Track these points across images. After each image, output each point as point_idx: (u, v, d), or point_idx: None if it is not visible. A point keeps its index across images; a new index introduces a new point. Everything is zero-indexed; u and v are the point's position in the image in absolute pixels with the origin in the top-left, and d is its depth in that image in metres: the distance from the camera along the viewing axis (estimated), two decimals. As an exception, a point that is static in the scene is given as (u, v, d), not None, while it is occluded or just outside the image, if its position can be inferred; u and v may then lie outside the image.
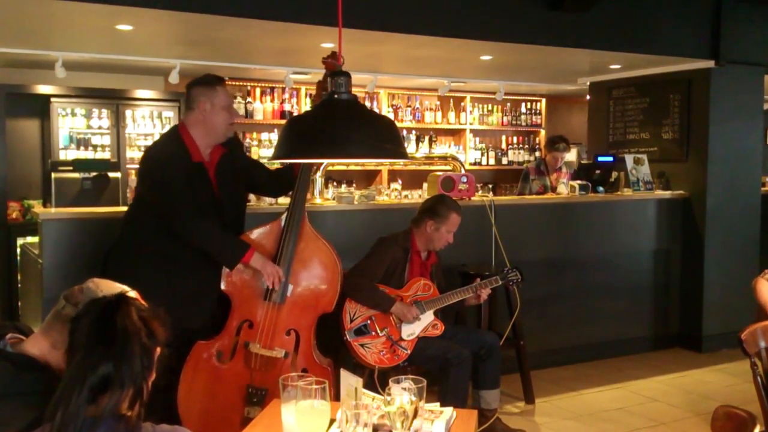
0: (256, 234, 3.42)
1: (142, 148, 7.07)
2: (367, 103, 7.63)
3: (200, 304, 3.34)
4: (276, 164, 3.80)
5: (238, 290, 3.36)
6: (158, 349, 1.57)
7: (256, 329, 3.32)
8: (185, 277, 3.30)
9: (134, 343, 1.48)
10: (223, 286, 3.35)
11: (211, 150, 3.38)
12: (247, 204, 3.78)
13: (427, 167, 7.39)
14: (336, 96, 2.12)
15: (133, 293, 1.74)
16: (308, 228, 3.43)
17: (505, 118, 8.76)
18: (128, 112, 6.99)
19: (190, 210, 3.23)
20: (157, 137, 7.08)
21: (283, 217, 3.40)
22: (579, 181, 5.70)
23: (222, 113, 3.31)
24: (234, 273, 3.36)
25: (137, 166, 6.88)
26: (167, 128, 7.08)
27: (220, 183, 3.38)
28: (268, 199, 4.67)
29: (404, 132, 8.05)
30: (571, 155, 7.01)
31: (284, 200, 4.59)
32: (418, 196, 5.83)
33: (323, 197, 4.79)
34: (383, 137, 2.10)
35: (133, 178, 6.70)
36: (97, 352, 1.45)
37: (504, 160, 8.77)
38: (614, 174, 5.97)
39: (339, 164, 7.11)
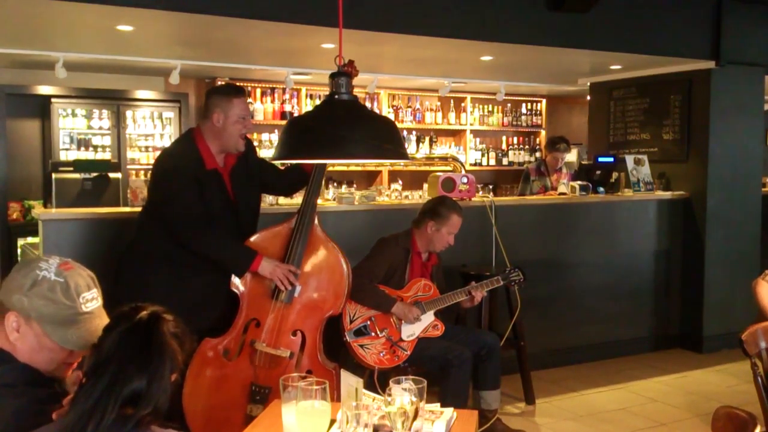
0: (266, 234, 3.45)
1: (143, 149, 7.09)
2: (368, 104, 7.64)
3: (210, 305, 3.39)
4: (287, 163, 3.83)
5: (247, 289, 3.39)
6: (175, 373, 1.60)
7: (262, 328, 3.34)
8: (195, 279, 3.33)
9: (166, 360, 1.52)
10: (231, 286, 3.38)
11: (225, 155, 3.42)
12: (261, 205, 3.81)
13: (427, 168, 7.40)
14: (336, 96, 2.12)
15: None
16: (318, 230, 3.46)
17: (505, 119, 8.76)
18: (129, 113, 7.00)
19: (197, 222, 3.26)
20: (158, 138, 7.12)
21: (294, 218, 3.42)
22: (579, 182, 5.69)
23: (235, 125, 3.34)
24: None
25: (138, 166, 7.00)
26: (168, 129, 7.14)
27: (235, 187, 3.41)
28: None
29: (405, 132, 8.05)
30: (572, 156, 7.02)
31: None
32: (418, 197, 5.82)
33: (324, 198, 4.80)
34: (383, 138, 2.10)
35: (134, 179, 6.71)
36: (132, 369, 1.47)
37: (504, 161, 8.77)
38: (615, 174, 5.97)
39: (339, 165, 7.12)
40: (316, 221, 3.45)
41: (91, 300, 1.74)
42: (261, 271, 3.29)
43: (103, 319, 1.76)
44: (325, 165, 3.57)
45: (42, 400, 1.64)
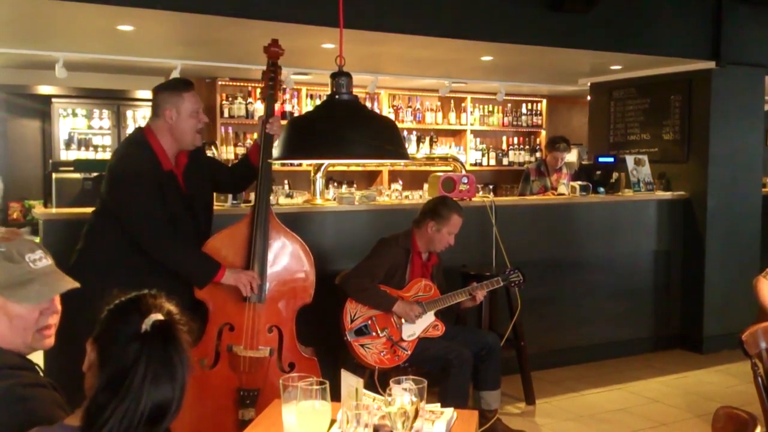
0: (224, 235, 3.35)
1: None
2: (368, 104, 7.64)
3: None
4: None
5: (213, 295, 3.28)
6: None
7: (237, 331, 3.27)
8: (157, 284, 3.19)
9: (187, 370, 1.46)
10: (197, 294, 3.27)
11: (178, 154, 3.30)
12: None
13: (427, 168, 7.40)
14: (337, 96, 2.12)
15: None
16: (275, 222, 3.39)
17: (505, 119, 8.76)
18: (129, 113, 7.01)
19: (160, 231, 3.16)
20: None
21: (250, 214, 3.34)
22: (580, 182, 5.69)
23: (189, 121, 3.21)
24: None
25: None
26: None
27: (189, 188, 3.31)
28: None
29: (405, 132, 8.05)
30: (572, 156, 7.02)
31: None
32: (418, 197, 5.83)
33: (324, 198, 4.80)
34: (384, 138, 2.11)
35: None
36: (156, 386, 1.40)
37: (504, 161, 8.78)
38: (615, 175, 5.97)
39: (339, 165, 7.12)
40: (272, 213, 3.37)
41: (39, 259, 1.75)
42: (224, 281, 3.20)
43: (60, 275, 1.76)
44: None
45: (27, 385, 1.63)
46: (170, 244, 3.19)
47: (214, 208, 3.64)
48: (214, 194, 3.75)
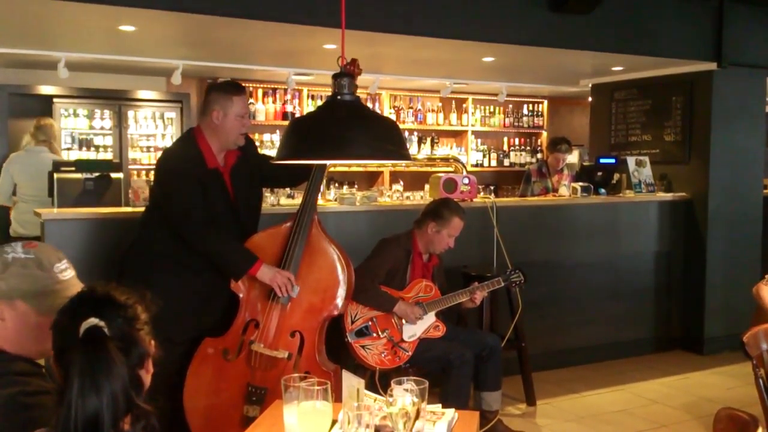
0: (264, 235, 3.43)
1: (145, 149, 7.10)
2: (369, 105, 7.64)
3: (212, 305, 3.39)
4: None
5: (247, 290, 3.39)
6: (147, 360, 1.46)
7: (261, 328, 3.34)
8: (198, 279, 3.33)
9: (117, 379, 1.34)
10: (232, 286, 3.37)
11: (226, 153, 3.40)
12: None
13: (429, 169, 7.40)
14: (339, 97, 2.12)
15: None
16: (318, 230, 3.43)
17: (507, 120, 8.76)
18: (130, 113, 7.01)
19: (199, 221, 3.26)
20: (160, 138, 7.13)
21: (294, 218, 3.40)
22: (581, 183, 5.69)
23: (234, 123, 3.33)
24: None
25: (140, 167, 7.01)
26: (169, 129, 7.15)
27: (235, 187, 3.41)
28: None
29: (406, 133, 8.05)
30: (573, 157, 7.02)
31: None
32: (419, 198, 5.82)
33: (325, 198, 4.81)
34: (385, 138, 2.11)
35: (135, 179, 6.71)
36: (82, 398, 1.31)
37: (506, 162, 8.77)
38: (616, 176, 5.97)
39: (341, 165, 7.12)
40: (316, 221, 3.43)
41: (65, 270, 1.77)
42: (260, 276, 3.27)
43: (80, 287, 1.74)
44: (325, 164, 3.57)
45: (31, 393, 1.62)
46: (209, 234, 3.28)
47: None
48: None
